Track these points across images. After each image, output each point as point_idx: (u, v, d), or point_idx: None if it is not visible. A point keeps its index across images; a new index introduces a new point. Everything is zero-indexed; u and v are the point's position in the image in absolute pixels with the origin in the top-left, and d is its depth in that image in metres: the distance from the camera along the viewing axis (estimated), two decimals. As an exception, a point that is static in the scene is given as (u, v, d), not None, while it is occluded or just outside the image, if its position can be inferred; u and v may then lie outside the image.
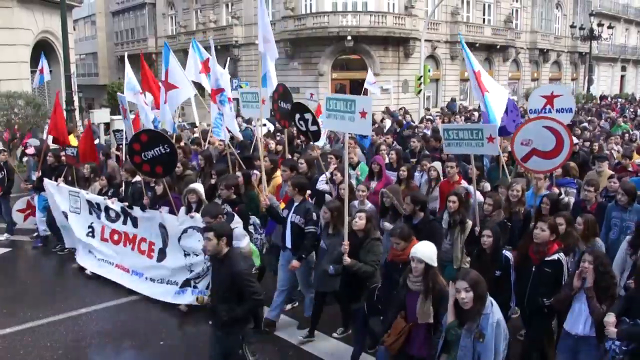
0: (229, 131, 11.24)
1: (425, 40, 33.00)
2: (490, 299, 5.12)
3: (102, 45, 58.33)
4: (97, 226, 10.79)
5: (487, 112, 9.94)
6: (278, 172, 10.44)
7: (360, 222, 7.27)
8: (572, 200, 9.68)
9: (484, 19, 43.84)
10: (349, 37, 34.69)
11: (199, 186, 9.29)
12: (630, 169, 11.69)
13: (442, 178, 10.32)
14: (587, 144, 14.47)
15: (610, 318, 5.34)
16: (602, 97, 46.31)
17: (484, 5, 43.82)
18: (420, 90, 30.46)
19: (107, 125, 25.05)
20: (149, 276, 9.73)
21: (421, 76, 29.85)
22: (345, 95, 7.25)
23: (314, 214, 8.00)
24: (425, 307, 5.54)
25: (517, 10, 46.74)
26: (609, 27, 47.84)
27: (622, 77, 63.93)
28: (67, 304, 9.28)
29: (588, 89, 48.70)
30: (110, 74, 56.58)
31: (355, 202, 8.90)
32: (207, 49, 12.88)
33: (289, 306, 9.02)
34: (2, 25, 20.77)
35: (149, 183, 10.06)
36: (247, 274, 5.90)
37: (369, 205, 8.86)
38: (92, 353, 7.94)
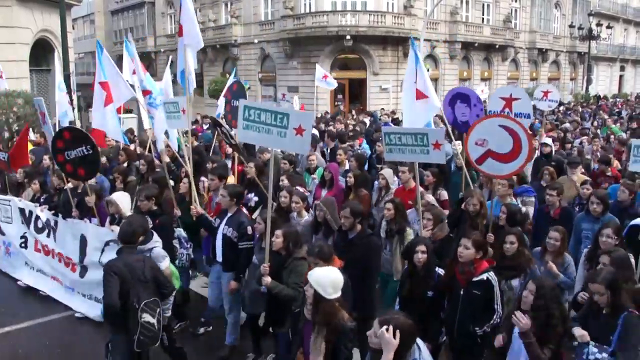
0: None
1: (425, 40, 33.00)
2: (418, 342, 4.24)
3: (101, 44, 58.28)
4: (30, 237, 9.93)
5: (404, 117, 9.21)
6: (229, 179, 9.76)
7: (277, 240, 6.44)
8: (531, 210, 9.17)
9: (483, 19, 43.87)
10: (348, 37, 34.71)
11: (119, 197, 8.25)
12: (609, 174, 11.20)
13: (392, 186, 9.54)
14: (568, 146, 14.07)
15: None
16: (599, 98, 46.24)
17: (483, 4, 43.85)
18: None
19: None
20: (80, 290, 8.95)
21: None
22: (274, 107, 6.22)
23: (249, 228, 7.36)
24: (317, 342, 4.76)
25: (516, 10, 46.78)
26: (608, 27, 47.88)
27: (621, 76, 64.00)
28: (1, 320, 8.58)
29: (587, 88, 48.71)
30: (109, 73, 56.51)
31: (294, 214, 8.20)
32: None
33: (202, 330, 8.26)
34: (1, 23, 20.75)
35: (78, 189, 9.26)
36: (107, 270, 5.66)
37: (306, 217, 8.12)
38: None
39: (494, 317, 5.77)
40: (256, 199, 9.30)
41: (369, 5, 36.28)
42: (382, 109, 29.32)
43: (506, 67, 46.38)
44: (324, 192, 9.71)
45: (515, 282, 6.47)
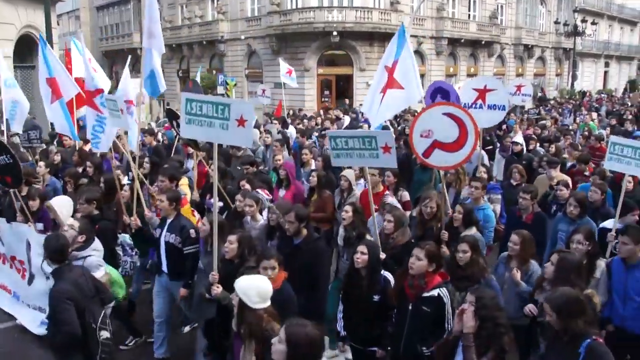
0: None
1: (411, 36, 32.96)
2: None
3: (87, 41, 57.73)
4: None
5: (370, 109, 9.11)
6: (183, 181, 9.31)
7: (231, 247, 6.03)
8: (498, 208, 8.94)
9: (469, 15, 44.00)
10: (335, 33, 34.72)
11: (58, 202, 7.62)
12: (587, 173, 10.85)
13: (355, 188, 9.06)
14: (546, 144, 13.54)
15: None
16: (584, 94, 46.60)
17: (469, 1, 44.00)
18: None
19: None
20: (25, 300, 8.21)
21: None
22: (215, 98, 5.84)
23: (191, 231, 7.02)
24: (247, 358, 4.47)
25: (502, 6, 46.93)
26: (593, 23, 48.27)
27: (606, 72, 64.47)
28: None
29: (572, 84, 49.13)
30: (94, 69, 56.18)
31: (248, 218, 7.69)
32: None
33: (132, 342, 7.80)
34: (-15, 19, 20.59)
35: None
36: (59, 297, 5.15)
37: (261, 221, 7.60)
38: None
39: (444, 337, 5.11)
40: (220, 203, 8.60)
41: (355, 1, 36.28)
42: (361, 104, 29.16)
43: (492, 63, 46.59)
44: (281, 193, 9.43)
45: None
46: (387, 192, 8.76)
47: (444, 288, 5.31)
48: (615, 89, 57.47)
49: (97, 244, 6.54)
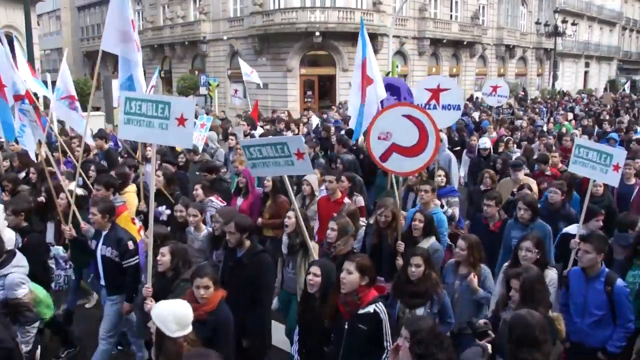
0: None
1: (393, 36, 33.15)
2: None
3: (68, 41, 57.48)
4: None
5: (359, 112, 8.90)
6: (129, 188, 8.94)
7: (164, 259, 5.69)
8: (457, 211, 8.70)
9: (451, 15, 44.18)
10: (318, 33, 34.73)
11: None
12: (548, 173, 10.72)
13: (317, 194, 8.83)
14: (523, 144, 13.52)
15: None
16: (564, 94, 46.96)
17: (451, 1, 44.18)
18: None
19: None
20: None
21: (389, 72, 29.90)
22: (153, 96, 5.49)
23: (129, 243, 6.64)
24: None
25: (483, 7, 47.18)
26: (573, 24, 48.81)
27: (586, 73, 65.06)
28: None
29: (553, 84, 49.54)
30: (76, 70, 55.73)
31: (191, 229, 7.31)
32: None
33: (64, 353, 7.42)
34: (-37, 19, 20.40)
35: None
36: None
37: (204, 232, 7.25)
38: None
39: (383, 356, 4.80)
40: (168, 212, 8.51)
41: (338, 1, 36.32)
42: (334, 106, 28.93)
43: (474, 64, 46.83)
44: (239, 201, 9.17)
45: (420, 311, 5.55)
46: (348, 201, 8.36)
47: (380, 303, 4.90)
48: (596, 89, 58.04)
49: (19, 259, 5.91)
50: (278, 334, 7.03)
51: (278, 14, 35.81)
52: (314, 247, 6.54)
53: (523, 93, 45.73)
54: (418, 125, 6.31)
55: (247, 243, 6.19)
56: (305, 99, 37.29)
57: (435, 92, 8.95)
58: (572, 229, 7.33)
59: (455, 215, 8.60)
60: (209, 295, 5.02)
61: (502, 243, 7.39)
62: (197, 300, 5.00)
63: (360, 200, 8.82)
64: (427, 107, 8.71)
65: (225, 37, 40.25)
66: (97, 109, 30.34)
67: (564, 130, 17.71)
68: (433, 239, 6.87)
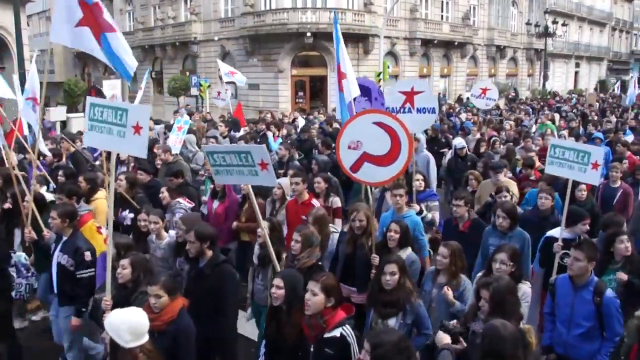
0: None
1: (385, 37, 33.23)
2: None
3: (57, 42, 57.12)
4: None
5: (342, 112, 8.82)
6: (100, 194, 8.54)
7: (124, 272, 5.45)
8: (437, 216, 8.48)
9: (442, 16, 44.29)
10: (309, 34, 34.72)
11: None
12: (532, 178, 10.45)
13: (288, 197, 8.57)
14: (507, 145, 13.19)
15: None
16: (555, 94, 47.15)
17: (442, 2, 44.29)
18: (380, 86, 30.63)
19: (64, 124, 24.73)
20: None
21: (380, 72, 30.04)
22: (114, 103, 5.44)
23: (86, 254, 6.29)
24: None
25: (474, 8, 47.31)
26: (563, 24, 49.11)
27: (576, 73, 65.36)
28: None
29: (544, 84, 49.76)
30: (66, 71, 55.57)
31: (152, 237, 6.99)
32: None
33: None
34: (-48, 20, 20.27)
35: None
36: None
37: (167, 239, 6.94)
38: None
39: None
40: (131, 216, 8.13)
41: (329, 2, 36.31)
42: (317, 108, 28.87)
43: (465, 64, 46.96)
44: (215, 204, 8.89)
45: (392, 322, 5.31)
46: (314, 200, 8.19)
47: (348, 326, 4.58)
48: (586, 89, 58.25)
49: None
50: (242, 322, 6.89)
51: (269, 14, 35.78)
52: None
53: (514, 93, 45.88)
54: (389, 132, 6.03)
55: (209, 253, 5.93)
56: (297, 100, 37.29)
57: (410, 95, 8.53)
58: (556, 232, 7.05)
59: (435, 220, 8.35)
60: (161, 305, 4.82)
61: (480, 250, 7.08)
62: (153, 310, 4.82)
63: (336, 202, 8.66)
64: (401, 110, 8.46)
65: (216, 38, 40.18)
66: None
67: (548, 131, 17.16)
68: (409, 250, 6.53)
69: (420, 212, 8.04)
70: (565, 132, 16.90)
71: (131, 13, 49.30)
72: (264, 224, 6.37)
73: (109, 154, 8.30)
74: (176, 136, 12.85)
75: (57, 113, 25.58)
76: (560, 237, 6.72)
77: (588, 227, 7.13)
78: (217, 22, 40.39)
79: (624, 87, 43.58)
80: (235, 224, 8.62)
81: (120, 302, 5.14)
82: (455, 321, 5.00)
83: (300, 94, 37.65)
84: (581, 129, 19.95)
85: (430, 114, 8.61)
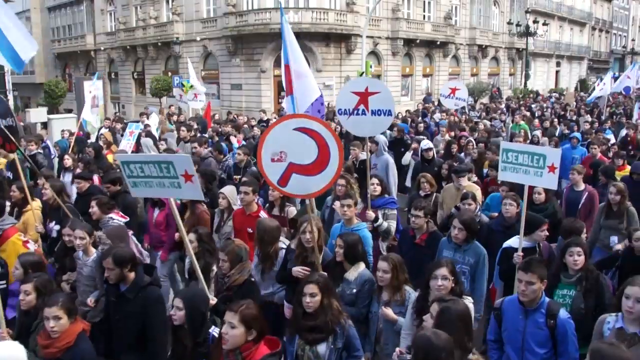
0: None
1: (367, 37, 33.27)
2: None
3: (38, 42, 56.52)
4: None
5: (293, 111, 8.44)
6: (33, 205, 8.17)
7: (28, 298, 5.08)
8: (394, 225, 7.77)
9: (424, 16, 44.42)
10: (291, 34, 34.64)
11: None
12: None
13: (235, 208, 8.06)
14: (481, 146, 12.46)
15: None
16: (537, 94, 47.46)
17: (424, 2, 44.41)
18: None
19: (45, 125, 24.55)
20: None
21: (363, 72, 30.08)
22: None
23: None
24: None
25: (456, 7, 47.47)
26: (544, 24, 49.37)
27: (557, 72, 65.97)
28: None
29: (525, 83, 50.11)
30: (47, 72, 55.19)
31: (79, 253, 6.55)
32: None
33: None
34: None
35: None
36: None
37: (94, 255, 6.45)
38: None
39: None
40: (57, 227, 7.78)
41: (311, 2, 36.29)
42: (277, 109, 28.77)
43: (447, 63, 47.14)
44: (156, 213, 8.42)
45: (322, 348, 4.85)
46: (262, 212, 7.77)
47: None
48: (567, 88, 58.76)
49: None
50: None
51: (251, 14, 35.70)
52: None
53: (497, 91, 46.11)
54: (315, 137, 5.48)
55: (131, 276, 5.42)
56: (279, 100, 37.23)
57: (364, 96, 7.69)
58: (513, 242, 6.65)
59: (392, 230, 7.70)
60: (60, 328, 4.44)
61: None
62: (50, 335, 4.46)
63: (292, 211, 8.18)
64: (355, 112, 7.79)
65: (198, 38, 40.03)
66: (70, 111, 30.06)
67: (522, 132, 16.56)
68: (362, 267, 5.90)
69: (375, 220, 7.61)
70: (538, 132, 16.77)
71: (112, 13, 48.95)
72: (191, 236, 6.15)
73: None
74: (127, 141, 12.39)
75: (38, 114, 25.36)
76: (520, 246, 6.35)
77: (547, 233, 6.79)
78: (199, 22, 40.23)
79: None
80: (177, 234, 7.94)
81: (24, 331, 4.90)
82: (398, 349, 4.60)
83: (283, 93, 37.59)
84: (559, 128, 19.33)
85: (386, 116, 7.77)
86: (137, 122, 16.57)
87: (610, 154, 12.82)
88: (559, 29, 64.47)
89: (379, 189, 8.04)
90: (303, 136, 5.50)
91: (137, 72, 46.72)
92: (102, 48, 49.77)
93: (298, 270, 6.00)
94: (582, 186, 9.44)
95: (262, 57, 36.28)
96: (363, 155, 11.26)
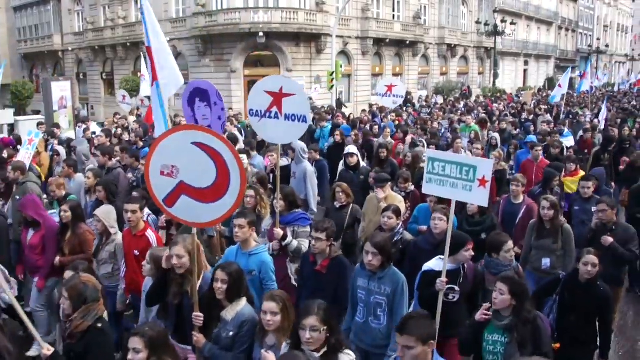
0: None
1: (337, 36, 33.41)
2: None
3: (4, 42, 55.83)
4: None
5: (159, 100, 7.68)
6: None
7: None
8: (305, 244, 6.70)
9: (393, 15, 44.71)
10: (261, 34, 34.65)
11: None
12: None
13: (113, 232, 7.09)
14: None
15: None
16: (504, 93, 48.03)
17: (394, 1, 44.71)
18: (333, 85, 30.88)
19: (12, 127, 24.22)
20: None
21: (333, 72, 30.25)
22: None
23: None
24: None
25: (425, 7, 47.85)
26: (512, 23, 49.99)
27: (525, 71, 66.89)
28: None
29: (494, 82, 50.73)
30: (13, 73, 54.27)
31: None
32: None
33: None
34: None
35: None
36: None
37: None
38: None
39: None
40: None
41: (281, 2, 36.27)
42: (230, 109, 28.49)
43: (417, 63, 47.47)
44: (30, 234, 7.42)
45: None
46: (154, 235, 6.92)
47: None
48: (535, 87, 59.58)
49: None
50: None
51: (221, 14, 35.59)
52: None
53: (467, 90, 46.55)
54: (214, 157, 4.57)
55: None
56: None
57: (278, 97, 6.75)
58: (433, 264, 5.79)
59: (302, 250, 6.67)
60: None
61: (349, 296, 5.68)
62: None
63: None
64: (267, 115, 6.88)
65: (167, 38, 39.56)
66: (38, 112, 29.66)
67: (472, 134, 15.11)
68: (242, 304, 4.95)
69: (284, 239, 6.75)
70: (496, 135, 15.26)
71: (80, 13, 48.37)
72: (67, 273, 5.42)
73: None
74: (26, 151, 11.22)
75: (4, 116, 25.01)
76: (444, 269, 5.52)
77: (472, 253, 5.87)
78: (168, 22, 39.96)
79: (571, 85, 44.58)
80: (58, 259, 7.19)
81: None
82: None
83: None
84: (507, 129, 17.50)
85: (301, 122, 6.78)
86: (38, 129, 15.35)
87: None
88: (527, 29, 65.34)
89: (282, 203, 7.05)
90: (202, 154, 4.58)
91: (106, 72, 46.26)
92: (70, 48, 49.18)
93: (196, 316, 4.99)
94: (520, 198, 8.58)
95: (232, 57, 36.20)
96: (284, 162, 10.74)
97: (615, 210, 7.65)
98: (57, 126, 17.61)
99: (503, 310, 4.82)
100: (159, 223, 7.49)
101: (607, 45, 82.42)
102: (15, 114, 26.83)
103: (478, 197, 5.38)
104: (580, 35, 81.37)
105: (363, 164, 11.53)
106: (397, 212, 7.06)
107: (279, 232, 6.73)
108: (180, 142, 4.63)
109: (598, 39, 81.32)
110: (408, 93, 41.14)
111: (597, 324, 5.88)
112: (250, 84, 37.13)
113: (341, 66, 32.20)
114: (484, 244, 6.47)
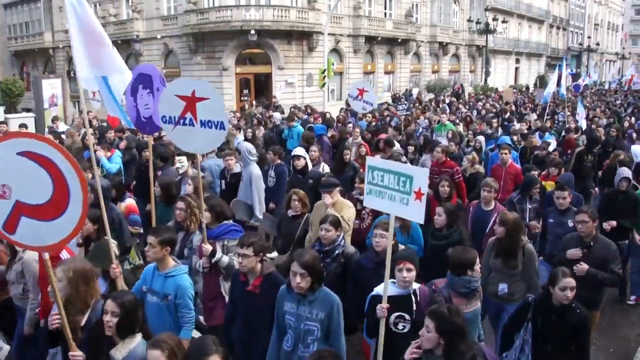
0: None
1: (329, 34, 33.40)
2: None
3: (-6, 40, 55.63)
4: None
5: (111, 94, 7.11)
6: None
7: None
8: (237, 264, 5.53)
9: (385, 13, 44.75)
10: (253, 31, 34.58)
11: None
12: None
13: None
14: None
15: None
16: (495, 90, 48.14)
17: (385, -1, 44.77)
18: (325, 83, 30.86)
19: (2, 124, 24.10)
20: None
21: (325, 69, 30.21)
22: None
23: None
24: None
25: (417, 5, 47.92)
26: (503, 21, 50.19)
27: (517, 69, 67.18)
28: None
29: (485, 80, 50.85)
30: (3, 70, 53.99)
31: None
32: None
33: None
34: None
35: None
36: None
37: None
38: None
39: None
40: None
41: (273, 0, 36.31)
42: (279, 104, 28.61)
43: (409, 60, 47.54)
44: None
45: None
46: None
47: None
48: (527, 85, 59.80)
49: None
50: None
51: (212, 12, 35.50)
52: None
53: (459, 88, 46.62)
54: (46, 166, 3.95)
55: None
56: (242, 98, 37.13)
57: (191, 102, 5.89)
58: (380, 290, 4.99)
59: (234, 266, 5.90)
60: None
61: (275, 320, 5.01)
62: None
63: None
64: (181, 122, 5.99)
65: (159, 36, 39.64)
66: (28, 110, 29.51)
67: (449, 134, 14.03)
68: (137, 341, 4.27)
69: (212, 255, 6.16)
70: (481, 138, 14.08)
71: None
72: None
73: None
74: None
75: (-7, 114, 24.89)
76: (385, 294, 4.80)
77: (410, 275, 5.07)
78: (159, 19, 39.87)
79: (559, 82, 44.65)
80: None
81: None
82: None
83: (245, 91, 37.51)
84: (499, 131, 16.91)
85: (218, 129, 5.91)
86: None
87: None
88: (518, 27, 65.57)
89: (208, 215, 6.40)
90: (32, 164, 3.92)
91: (97, 70, 46.00)
92: (60, 46, 48.89)
93: (72, 356, 4.36)
94: (492, 205, 7.90)
95: (224, 55, 36.12)
96: (237, 168, 10.09)
97: (596, 223, 6.69)
98: (56, 119, 17.71)
99: (435, 348, 4.12)
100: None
101: (597, 44, 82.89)
102: (6, 112, 26.67)
103: (414, 212, 4.69)
104: (571, 34, 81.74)
105: (326, 166, 10.94)
106: (335, 223, 6.22)
107: (207, 248, 6.14)
108: (5, 155, 3.92)
109: (589, 37, 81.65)
110: (410, 91, 41.40)
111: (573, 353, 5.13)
112: (242, 82, 37.21)
113: (333, 64, 32.15)
114: None
